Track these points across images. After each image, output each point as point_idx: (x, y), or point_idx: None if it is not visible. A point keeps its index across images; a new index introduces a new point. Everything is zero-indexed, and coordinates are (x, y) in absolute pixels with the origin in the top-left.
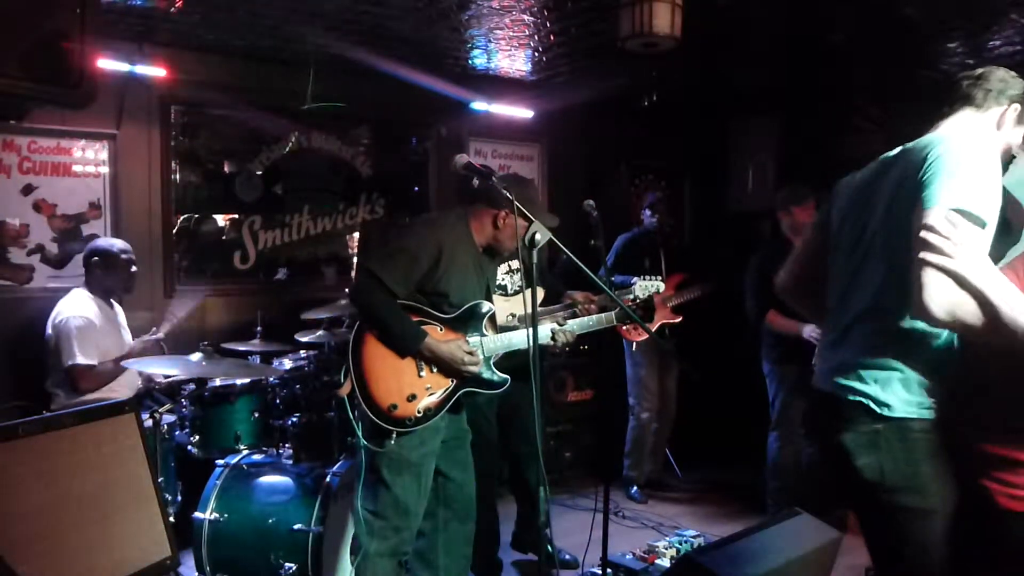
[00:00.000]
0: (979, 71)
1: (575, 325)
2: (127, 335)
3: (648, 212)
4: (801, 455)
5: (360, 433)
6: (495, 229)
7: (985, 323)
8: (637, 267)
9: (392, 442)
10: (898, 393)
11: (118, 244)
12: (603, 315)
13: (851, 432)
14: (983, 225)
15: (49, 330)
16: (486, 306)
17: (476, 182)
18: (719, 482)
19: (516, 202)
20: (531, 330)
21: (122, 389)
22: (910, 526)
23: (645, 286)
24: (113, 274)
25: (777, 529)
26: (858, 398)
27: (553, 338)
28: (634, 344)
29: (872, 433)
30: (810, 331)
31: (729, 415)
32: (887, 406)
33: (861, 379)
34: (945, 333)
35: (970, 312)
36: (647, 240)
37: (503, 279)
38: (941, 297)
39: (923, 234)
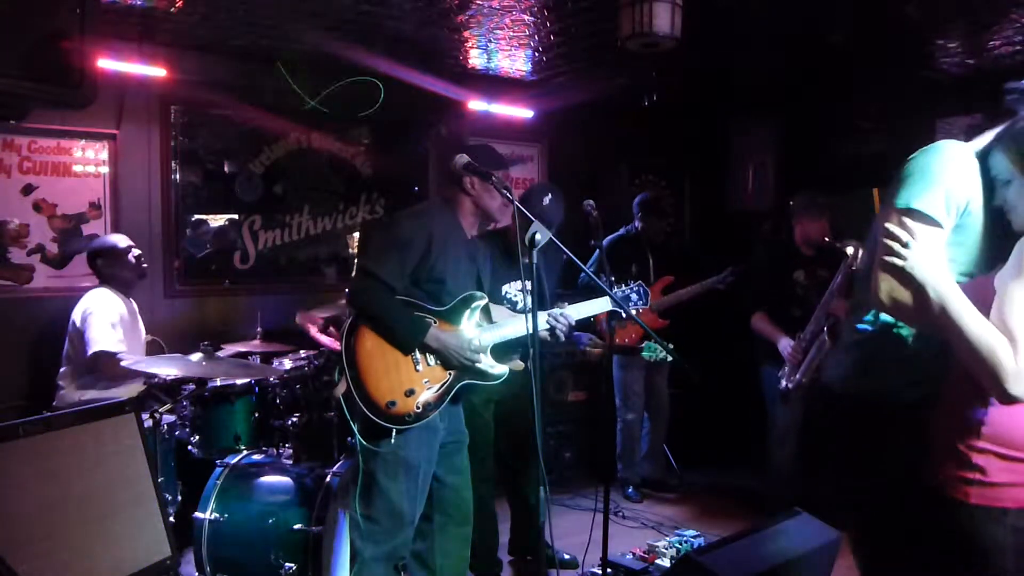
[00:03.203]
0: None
1: (571, 310)
2: (143, 329)
3: (638, 216)
4: (796, 454)
5: (358, 434)
6: (470, 196)
7: (924, 314)
8: (624, 271)
9: (392, 441)
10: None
11: (117, 238)
12: (598, 299)
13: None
14: (938, 224)
15: (77, 323)
16: (479, 296)
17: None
18: (719, 483)
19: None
20: (531, 328)
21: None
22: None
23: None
24: (125, 267)
25: (777, 529)
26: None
27: (551, 329)
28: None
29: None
30: (785, 344)
31: (730, 416)
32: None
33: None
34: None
35: (910, 304)
36: (635, 242)
37: (515, 296)
38: (884, 289)
39: (882, 231)
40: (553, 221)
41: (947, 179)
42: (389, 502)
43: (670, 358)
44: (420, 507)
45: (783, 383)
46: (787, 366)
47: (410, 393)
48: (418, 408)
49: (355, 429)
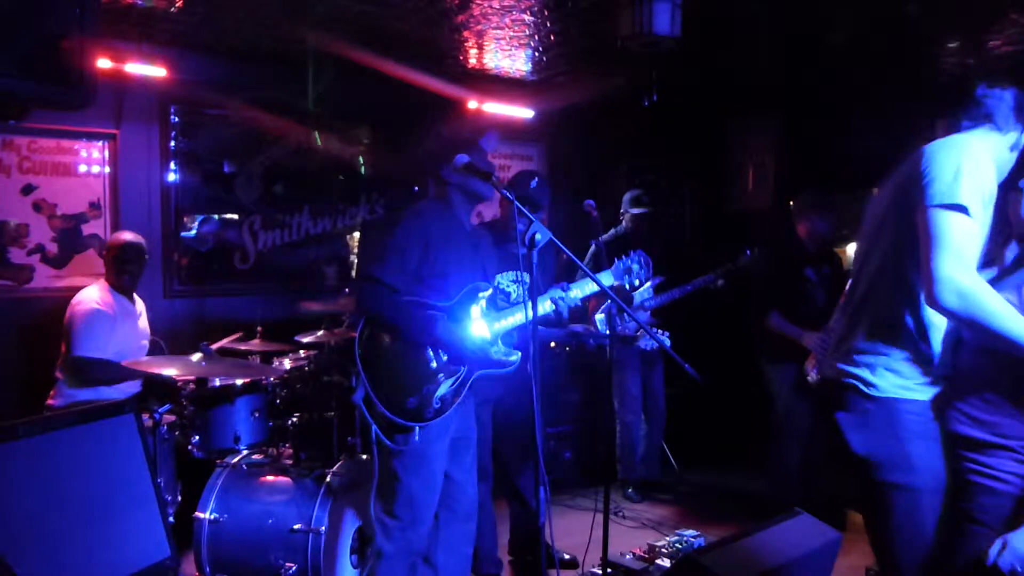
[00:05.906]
0: (996, 89)
1: (575, 287)
2: (144, 329)
3: (627, 218)
4: (806, 455)
5: (380, 435)
6: (455, 185)
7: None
8: None
9: (416, 439)
10: (887, 376)
11: (123, 236)
12: (599, 275)
13: (844, 411)
14: (972, 214)
15: (66, 315)
16: (484, 286)
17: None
18: (719, 483)
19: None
20: (530, 330)
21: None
22: (898, 502)
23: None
24: (108, 267)
25: (777, 529)
26: (850, 380)
27: (556, 309)
28: (607, 329)
29: (862, 412)
30: (813, 338)
31: (730, 417)
32: (875, 386)
33: (854, 362)
34: (934, 323)
35: (976, 307)
36: (625, 240)
37: (508, 287)
38: (951, 291)
39: (930, 232)
40: (542, 204)
41: (987, 176)
42: (409, 498)
43: (667, 343)
44: (435, 500)
45: (812, 375)
46: (817, 359)
47: (428, 390)
48: (437, 403)
49: (377, 431)
